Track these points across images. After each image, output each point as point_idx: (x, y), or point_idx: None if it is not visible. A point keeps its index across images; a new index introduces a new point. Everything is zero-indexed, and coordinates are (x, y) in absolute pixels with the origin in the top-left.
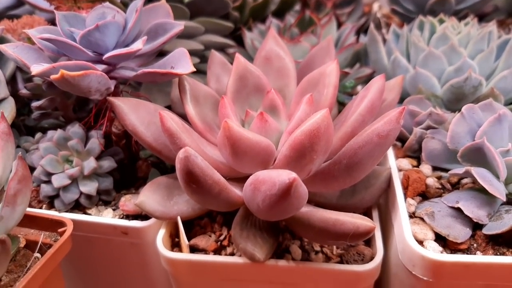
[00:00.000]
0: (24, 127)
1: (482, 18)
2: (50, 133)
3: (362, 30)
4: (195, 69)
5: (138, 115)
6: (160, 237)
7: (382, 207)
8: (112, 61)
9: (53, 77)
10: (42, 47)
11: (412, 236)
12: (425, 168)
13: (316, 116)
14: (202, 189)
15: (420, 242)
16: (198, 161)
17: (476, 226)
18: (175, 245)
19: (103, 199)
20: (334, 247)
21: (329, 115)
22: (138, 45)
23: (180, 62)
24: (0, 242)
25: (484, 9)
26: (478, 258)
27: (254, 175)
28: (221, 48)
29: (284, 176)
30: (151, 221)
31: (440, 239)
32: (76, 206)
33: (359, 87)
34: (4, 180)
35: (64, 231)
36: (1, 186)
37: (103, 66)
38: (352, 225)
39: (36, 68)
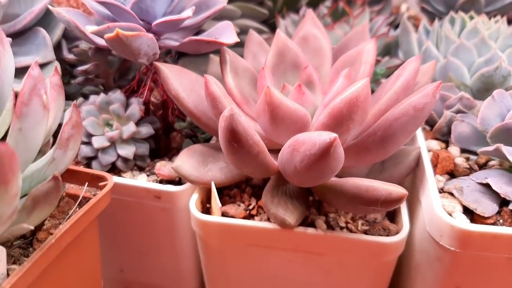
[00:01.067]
0: (65, 96)
1: (510, 23)
2: (92, 97)
3: (392, 27)
4: (239, 40)
5: (181, 82)
6: (193, 201)
7: (408, 186)
8: (159, 30)
9: (108, 35)
10: (94, 11)
11: (441, 207)
12: (454, 150)
13: (357, 84)
14: (243, 148)
15: (449, 215)
16: (242, 120)
17: (503, 204)
18: (205, 212)
19: (138, 165)
20: (359, 223)
21: (369, 84)
22: (188, 13)
23: (225, 33)
24: (53, 178)
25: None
26: (505, 229)
27: (294, 138)
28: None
29: (325, 135)
30: (184, 186)
31: (468, 213)
32: (112, 170)
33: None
34: (53, 129)
35: (105, 186)
36: (50, 136)
37: (151, 35)
38: (384, 191)
39: (91, 27)
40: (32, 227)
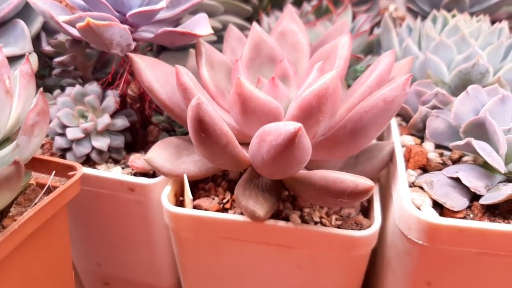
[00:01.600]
0: (44, 88)
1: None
2: (68, 89)
3: (377, 26)
4: (213, 31)
5: (155, 73)
6: (166, 194)
7: (383, 182)
8: (135, 21)
9: (79, 25)
10: (70, 2)
11: (410, 200)
12: (428, 145)
13: (326, 77)
14: (211, 138)
15: (418, 208)
16: (209, 109)
17: (474, 199)
18: (179, 205)
19: (113, 157)
20: (333, 217)
21: (338, 76)
22: (162, 4)
23: (199, 25)
24: (14, 163)
25: (498, 15)
26: (473, 223)
27: (261, 128)
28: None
29: (290, 125)
30: (158, 179)
31: (438, 207)
32: (87, 161)
33: None
34: (23, 118)
35: (74, 175)
36: (20, 124)
37: (123, 26)
38: (351, 183)
39: (63, 17)
40: None
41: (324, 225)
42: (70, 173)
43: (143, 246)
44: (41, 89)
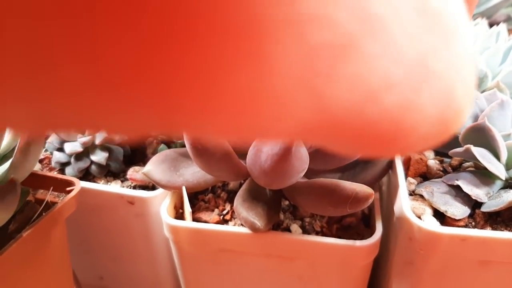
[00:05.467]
0: None
1: (493, 26)
2: None
3: None
4: None
5: None
6: (165, 206)
7: (384, 189)
8: None
9: None
10: None
11: (410, 210)
12: (428, 153)
13: None
14: (207, 150)
15: (418, 217)
16: None
17: (475, 206)
18: (178, 217)
19: (112, 171)
20: (334, 227)
21: None
22: None
23: None
24: (10, 181)
25: (496, 18)
26: (474, 231)
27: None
28: None
29: None
30: (157, 192)
31: (439, 216)
32: (86, 175)
33: None
34: (18, 136)
35: (72, 190)
36: (16, 142)
37: None
38: (351, 191)
39: None
40: None
41: (325, 235)
42: (68, 189)
43: (144, 259)
44: None
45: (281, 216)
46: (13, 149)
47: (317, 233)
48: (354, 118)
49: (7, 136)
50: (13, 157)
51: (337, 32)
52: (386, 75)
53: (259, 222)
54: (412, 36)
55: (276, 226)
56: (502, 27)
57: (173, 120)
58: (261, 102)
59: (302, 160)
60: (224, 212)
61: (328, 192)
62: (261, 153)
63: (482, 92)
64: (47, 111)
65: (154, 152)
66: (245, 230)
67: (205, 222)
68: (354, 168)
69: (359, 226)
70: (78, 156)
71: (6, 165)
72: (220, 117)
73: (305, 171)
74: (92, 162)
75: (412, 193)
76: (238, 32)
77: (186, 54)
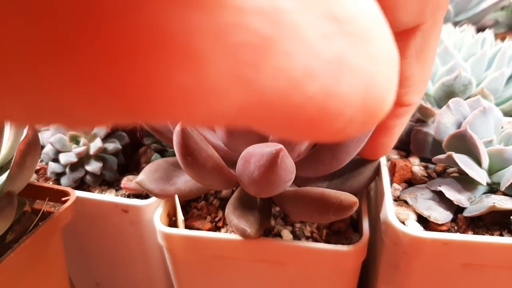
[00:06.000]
0: None
1: (481, 31)
2: None
3: None
4: None
5: None
6: (158, 214)
7: (372, 198)
8: None
9: None
10: None
11: (394, 215)
12: (413, 159)
13: None
14: (197, 161)
15: (403, 222)
16: (193, 134)
17: (458, 211)
18: (172, 225)
19: (107, 180)
20: (324, 232)
21: None
22: None
23: None
24: (7, 194)
25: (485, 22)
26: (456, 236)
27: (246, 150)
28: None
29: (271, 147)
30: (151, 200)
31: (422, 221)
32: (81, 185)
33: None
34: (15, 148)
35: (67, 200)
36: (13, 154)
37: None
38: (335, 199)
39: None
40: None
41: (315, 240)
42: (63, 198)
43: (139, 265)
44: None
45: (272, 222)
46: (10, 161)
47: (307, 239)
48: (283, 103)
49: (4, 149)
50: (9, 170)
51: (254, 34)
52: (306, 67)
53: (249, 229)
54: (327, 38)
55: (267, 232)
56: (488, 33)
57: (134, 112)
58: (199, 91)
59: (288, 170)
60: (217, 219)
61: (314, 200)
62: (249, 164)
63: (467, 99)
64: (37, 103)
65: (148, 161)
66: (237, 237)
67: (198, 229)
68: (342, 176)
69: (348, 231)
70: (73, 166)
71: (3, 177)
72: (169, 107)
73: (292, 180)
74: (86, 172)
75: (397, 199)
76: (173, 40)
77: (136, 64)
